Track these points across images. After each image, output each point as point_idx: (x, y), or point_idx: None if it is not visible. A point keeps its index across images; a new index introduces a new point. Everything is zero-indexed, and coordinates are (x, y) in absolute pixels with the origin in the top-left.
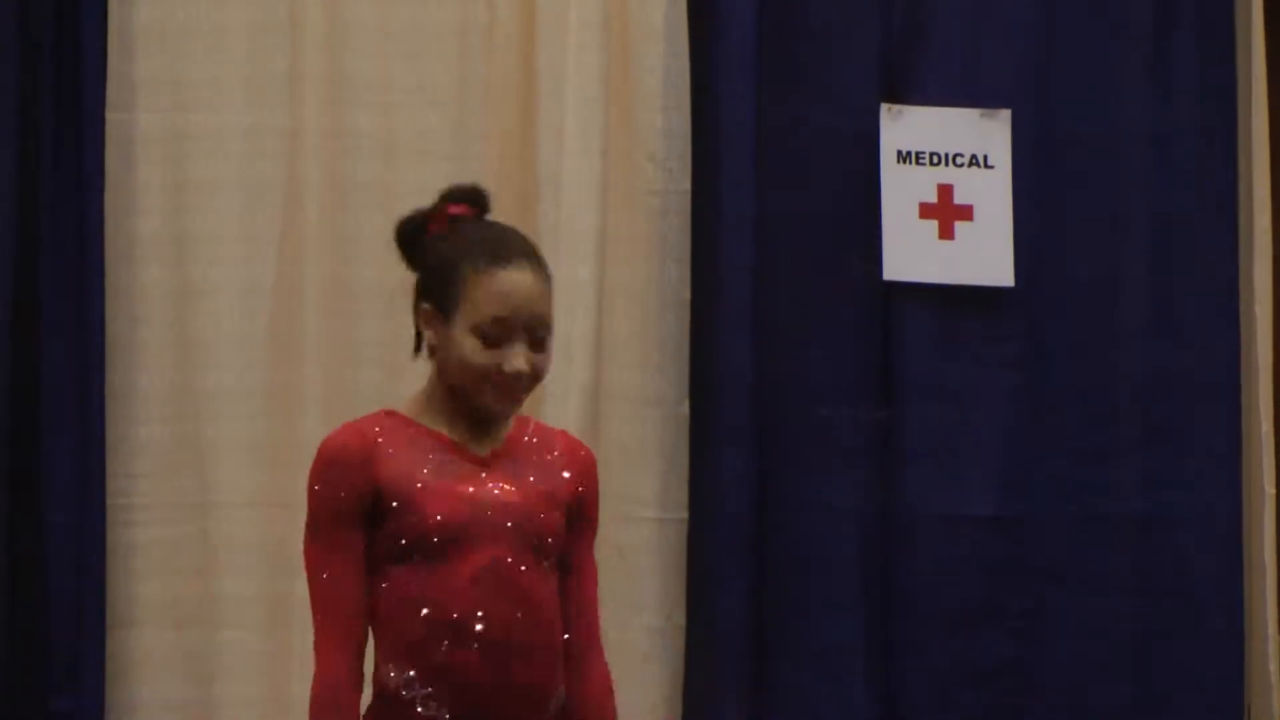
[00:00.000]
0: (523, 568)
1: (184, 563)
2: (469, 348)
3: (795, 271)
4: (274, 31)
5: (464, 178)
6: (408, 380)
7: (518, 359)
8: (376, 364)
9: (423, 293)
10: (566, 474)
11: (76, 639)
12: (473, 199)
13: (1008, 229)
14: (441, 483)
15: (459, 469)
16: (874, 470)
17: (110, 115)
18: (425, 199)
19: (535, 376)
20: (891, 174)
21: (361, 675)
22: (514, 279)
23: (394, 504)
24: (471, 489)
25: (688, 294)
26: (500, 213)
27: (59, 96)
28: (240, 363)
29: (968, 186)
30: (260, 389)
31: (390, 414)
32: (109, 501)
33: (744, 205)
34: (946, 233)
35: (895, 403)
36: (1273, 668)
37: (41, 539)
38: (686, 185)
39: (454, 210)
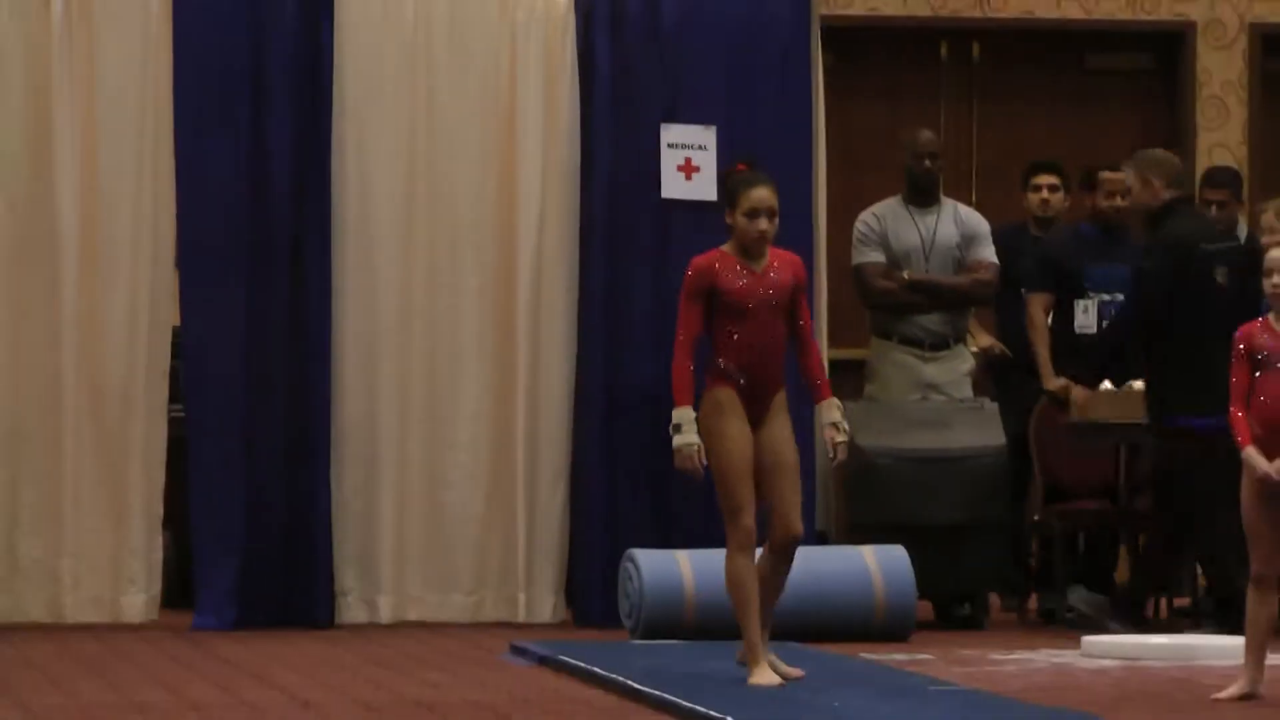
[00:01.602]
0: (772, 319)
1: None
2: (742, 223)
3: (619, 205)
4: None
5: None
6: None
7: (762, 224)
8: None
9: (726, 199)
10: (789, 272)
11: None
12: (749, 162)
13: (714, 181)
14: (741, 285)
15: (749, 277)
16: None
17: None
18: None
19: (770, 233)
20: (666, 152)
21: (693, 361)
22: (758, 193)
23: (722, 292)
24: (751, 286)
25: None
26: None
27: None
28: None
29: (698, 158)
30: None
31: (720, 251)
32: None
33: (603, 169)
34: (689, 178)
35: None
36: None
37: None
38: (577, 155)
39: (740, 166)
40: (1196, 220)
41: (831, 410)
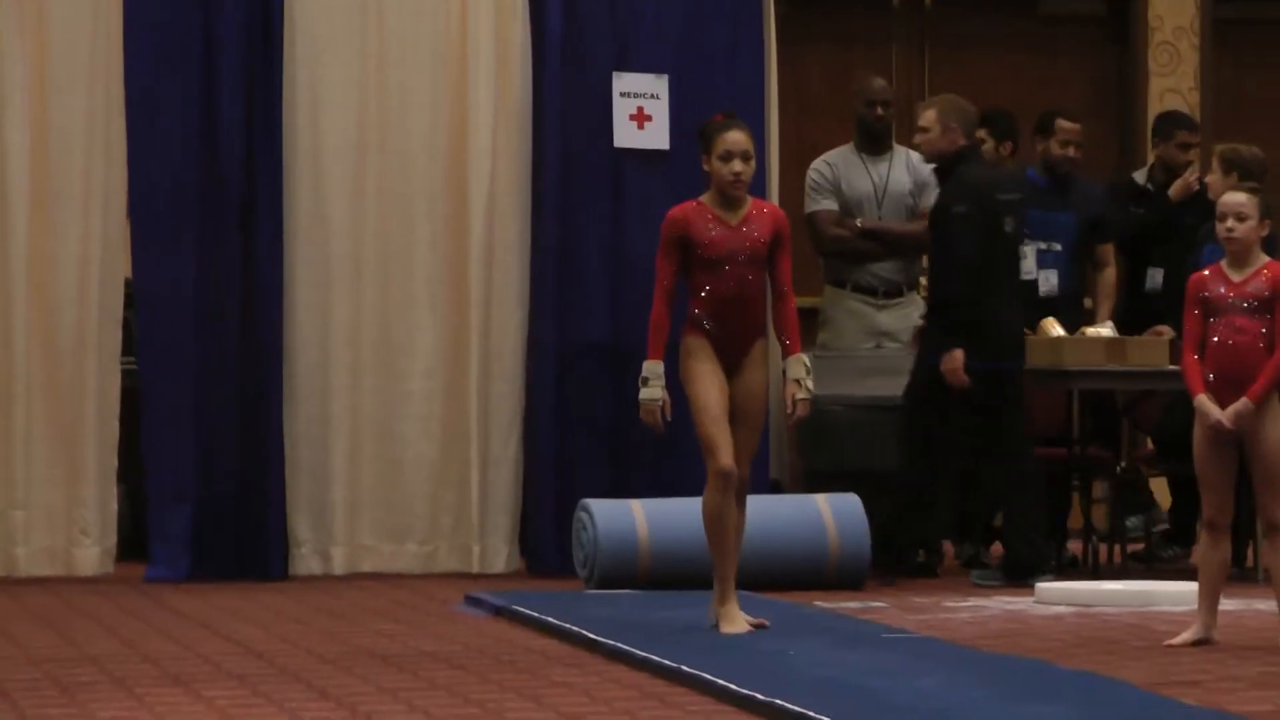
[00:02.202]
0: (746, 271)
1: None
2: (717, 166)
3: (571, 155)
4: None
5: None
6: None
7: (736, 166)
8: None
9: (702, 147)
10: (769, 225)
11: None
12: (727, 114)
13: (666, 130)
14: (713, 236)
15: (723, 228)
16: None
17: None
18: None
19: (745, 175)
20: (618, 101)
21: (670, 310)
22: (732, 136)
23: (695, 243)
24: (726, 238)
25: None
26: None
27: None
28: None
29: (650, 107)
30: None
31: (696, 201)
32: None
33: (555, 119)
34: (641, 127)
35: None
36: None
37: None
38: (529, 105)
39: (718, 117)
40: (988, 170)
41: (797, 367)
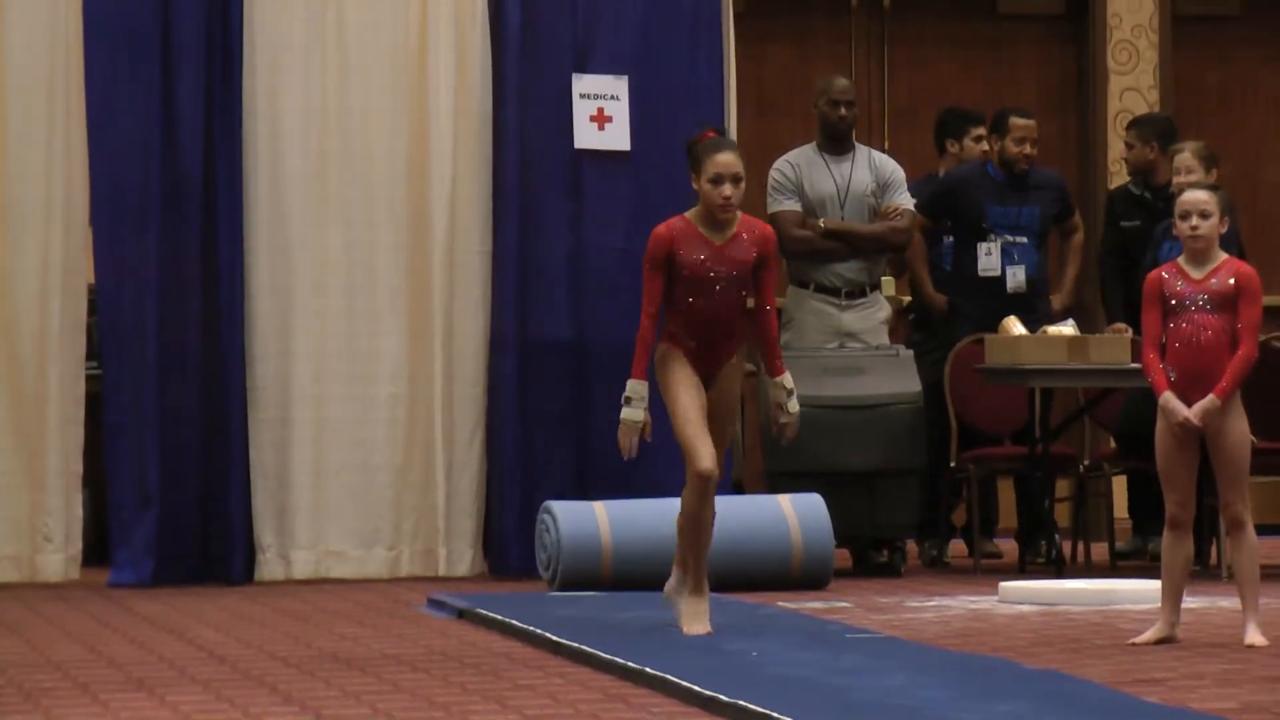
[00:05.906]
0: (728, 292)
1: None
2: (707, 189)
3: (532, 156)
4: None
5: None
6: None
7: (726, 190)
8: None
9: (691, 165)
10: (755, 246)
11: None
12: (717, 130)
13: (626, 131)
14: (700, 258)
15: (708, 250)
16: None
17: None
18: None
19: (735, 199)
20: (578, 103)
21: (656, 330)
22: (722, 158)
23: (679, 264)
24: (712, 260)
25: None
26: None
27: None
28: None
29: (610, 108)
30: None
31: (683, 219)
32: None
33: (515, 122)
34: (602, 128)
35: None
36: None
37: None
38: (489, 108)
39: (709, 134)
40: None
41: (779, 390)
